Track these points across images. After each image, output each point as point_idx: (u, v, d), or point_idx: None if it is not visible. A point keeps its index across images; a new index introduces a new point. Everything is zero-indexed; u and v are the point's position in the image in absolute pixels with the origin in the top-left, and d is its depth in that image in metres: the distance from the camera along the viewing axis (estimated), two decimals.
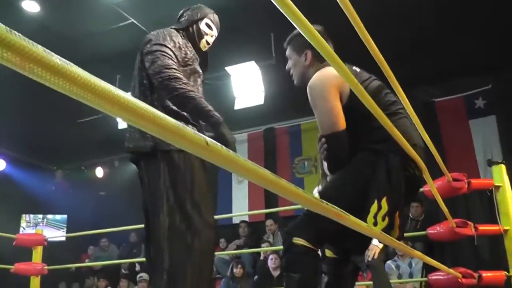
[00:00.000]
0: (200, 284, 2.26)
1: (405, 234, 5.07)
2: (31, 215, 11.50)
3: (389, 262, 6.52)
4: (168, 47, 2.49)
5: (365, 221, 2.04)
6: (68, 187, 11.54)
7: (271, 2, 1.05)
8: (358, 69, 2.40)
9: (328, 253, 2.60)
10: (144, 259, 8.88)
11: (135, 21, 6.95)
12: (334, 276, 2.57)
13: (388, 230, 2.07)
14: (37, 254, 8.20)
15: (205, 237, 2.31)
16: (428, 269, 5.82)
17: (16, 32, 0.54)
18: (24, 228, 11.08)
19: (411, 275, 6.33)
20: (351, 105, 2.23)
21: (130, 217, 8.66)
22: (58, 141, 10.11)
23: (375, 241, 4.55)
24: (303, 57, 2.57)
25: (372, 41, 1.96)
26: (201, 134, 0.79)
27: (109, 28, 7.13)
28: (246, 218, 9.09)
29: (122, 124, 9.35)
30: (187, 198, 2.33)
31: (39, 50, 0.57)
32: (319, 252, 2.31)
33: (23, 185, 10.42)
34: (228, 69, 7.41)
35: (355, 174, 2.27)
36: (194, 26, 2.81)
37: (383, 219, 2.08)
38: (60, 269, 9.02)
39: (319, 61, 2.49)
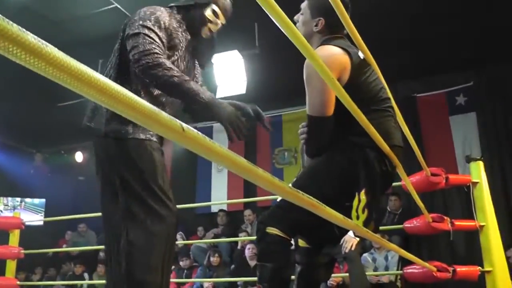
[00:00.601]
0: (158, 268, 2.22)
1: (382, 228, 5.14)
2: (9, 198, 11.41)
3: (365, 254, 6.57)
4: (151, 29, 2.29)
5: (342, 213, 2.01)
6: (47, 171, 11.44)
7: None
8: (362, 56, 2.29)
9: (301, 242, 2.59)
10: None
11: (118, 6, 6.89)
12: (307, 266, 2.56)
13: (368, 222, 2.09)
14: (14, 237, 8.14)
15: (164, 223, 2.26)
16: (404, 262, 5.88)
17: None
18: (1, 211, 10.99)
19: (387, 268, 6.39)
20: None
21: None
22: (38, 124, 10.02)
23: (351, 233, 4.57)
24: (314, 21, 2.41)
25: (357, 34, 1.97)
26: (176, 120, 0.78)
27: (93, 12, 7.07)
28: (225, 207, 9.11)
29: None
30: (146, 185, 2.28)
31: (14, 28, 0.56)
32: (292, 242, 2.30)
33: (1, 167, 10.32)
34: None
35: (330, 165, 2.26)
36: (198, 9, 2.56)
37: (363, 211, 2.09)
38: (37, 253, 8.96)
39: (329, 33, 2.37)
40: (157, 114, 0.74)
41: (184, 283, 7.68)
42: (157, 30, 2.31)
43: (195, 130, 0.80)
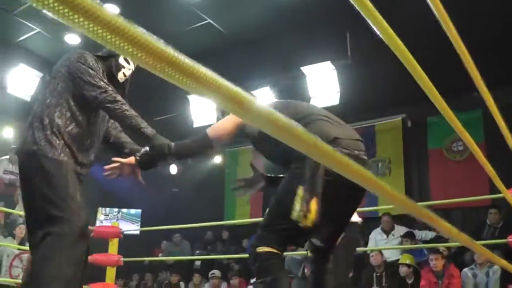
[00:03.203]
0: (67, 270, 2.51)
1: (483, 242, 4.95)
2: (107, 209, 11.87)
3: (465, 270, 6.34)
4: (93, 68, 2.78)
5: (297, 218, 2.23)
6: (143, 183, 11.77)
7: (347, 0, 1.03)
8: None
9: (308, 253, 2.79)
10: (217, 256, 8.99)
11: (211, 21, 7.04)
12: (316, 273, 2.72)
13: (301, 216, 2.23)
14: (113, 246, 8.45)
15: (71, 227, 2.56)
16: (506, 279, 5.62)
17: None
18: (101, 222, 11.44)
19: (487, 285, 6.12)
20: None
21: (202, 214, 8.80)
22: (134, 138, 10.38)
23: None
24: None
25: (459, 39, 1.90)
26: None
27: (187, 28, 7.26)
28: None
29: (197, 122, 9.50)
30: (57, 197, 2.61)
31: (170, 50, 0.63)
32: (284, 254, 2.48)
33: (100, 179, 10.70)
34: (304, 69, 7.40)
35: (287, 183, 2.46)
36: (113, 58, 2.99)
37: (298, 206, 2.25)
38: (134, 261, 9.27)
39: None
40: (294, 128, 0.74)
41: None
42: (101, 72, 2.83)
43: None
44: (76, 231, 2.60)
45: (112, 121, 3.04)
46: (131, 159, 2.90)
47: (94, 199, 10.32)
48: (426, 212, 1.22)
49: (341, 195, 2.42)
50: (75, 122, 2.79)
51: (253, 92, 9.06)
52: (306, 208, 2.26)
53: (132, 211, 11.93)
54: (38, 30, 8.70)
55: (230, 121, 2.64)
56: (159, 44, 0.57)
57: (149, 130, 2.73)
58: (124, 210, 11.92)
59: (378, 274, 6.96)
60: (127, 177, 3.00)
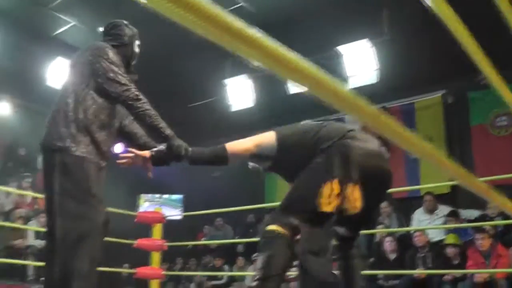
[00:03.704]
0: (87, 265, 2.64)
1: None
2: (149, 195, 12.02)
3: None
4: (117, 64, 2.88)
5: (319, 203, 2.33)
6: (184, 168, 11.86)
7: None
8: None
9: (334, 241, 2.83)
10: (253, 239, 9.01)
11: (244, 4, 6.99)
12: (343, 259, 2.80)
13: (341, 206, 2.36)
14: (157, 231, 8.56)
15: (93, 224, 2.70)
16: None
17: None
18: (142, 207, 11.60)
19: None
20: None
21: (243, 198, 8.83)
22: (170, 124, 10.46)
23: None
24: None
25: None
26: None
27: None
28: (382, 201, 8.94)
29: (235, 106, 9.51)
30: (79, 193, 2.72)
31: None
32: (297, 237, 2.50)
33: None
34: (340, 48, 7.31)
35: (311, 170, 2.52)
36: (129, 46, 3.12)
37: (336, 198, 2.35)
38: (178, 246, 9.37)
39: None
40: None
41: None
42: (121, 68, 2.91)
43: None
44: (96, 228, 2.72)
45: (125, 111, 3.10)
46: (146, 153, 3.00)
47: (135, 186, 10.48)
48: (482, 184, 1.18)
49: (367, 183, 2.47)
50: (99, 117, 2.86)
51: None
52: (344, 200, 2.36)
53: (174, 196, 12.05)
54: (73, 23, 8.83)
55: (251, 140, 2.78)
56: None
57: (168, 130, 2.86)
58: (166, 196, 12.05)
59: (422, 255, 6.86)
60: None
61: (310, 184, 2.42)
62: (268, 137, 2.76)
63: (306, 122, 2.81)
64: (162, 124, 2.86)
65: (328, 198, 2.34)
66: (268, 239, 2.40)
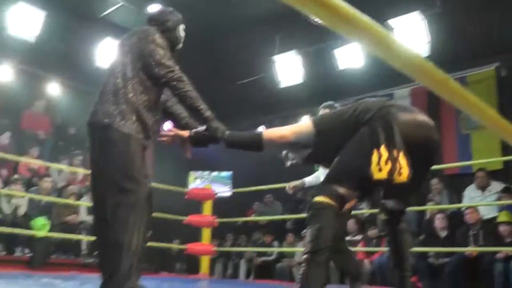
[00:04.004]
0: (133, 232, 2.75)
1: None
2: (198, 172, 12.16)
3: None
4: (163, 47, 3.00)
5: (370, 173, 2.34)
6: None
7: None
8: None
9: (382, 216, 2.89)
10: (302, 215, 9.05)
11: None
12: (393, 234, 2.85)
13: (392, 172, 2.35)
14: (207, 207, 8.70)
15: (138, 197, 2.81)
16: None
17: None
18: (192, 184, 11.75)
19: None
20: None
21: (292, 174, 8.83)
22: (218, 102, 10.51)
23: None
24: None
25: None
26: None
27: None
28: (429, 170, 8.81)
29: (284, 83, 9.48)
30: (125, 169, 2.83)
31: None
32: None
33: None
34: (391, 22, 7.18)
35: (355, 142, 2.52)
36: (174, 31, 3.24)
37: (386, 163, 2.35)
38: (228, 222, 9.49)
39: None
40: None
41: (373, 253, 7.63)
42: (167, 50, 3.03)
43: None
44: (142, 201, 2.83)
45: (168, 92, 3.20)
46: (185, 133, 3.07)
47: (185, 163, 10.60)
48: None
49: (415, 153, 2.47)
50: (146, 97, 2.97)
51: (339, 49, 8.96)
52: (395, 165, 2.36)
53: (223, 173, 12.15)
54: (122, 3, 8.93)
55: (288, 128, 2.80)
56: None
57: (207, 112, 2.93)
58: (215, 172, 12.17)
59: (474, 232, 6.75)
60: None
61: (358, 153, 2.44)
62: (305, 125, 2.78)
63: (338, 107, 2.83)
64: (202, 106, 2.93)
65: (378, 165, 2.35)
66: (316, 211, 2.41)
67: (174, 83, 2.90)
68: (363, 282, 5.40)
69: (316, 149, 2.73)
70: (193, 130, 3.03)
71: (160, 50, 2.96)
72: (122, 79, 2.94)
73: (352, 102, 2.77)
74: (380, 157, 2.35)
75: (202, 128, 2.98)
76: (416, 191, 2.85)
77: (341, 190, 2.40)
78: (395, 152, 2.36)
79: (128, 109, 2.87)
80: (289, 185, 5.74)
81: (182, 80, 2.92)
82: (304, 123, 2.79)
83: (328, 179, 2.50)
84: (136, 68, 2.96)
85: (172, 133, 3.08)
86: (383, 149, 2.36)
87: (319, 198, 2.41)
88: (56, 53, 9.49)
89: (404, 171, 2.37)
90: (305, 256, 2.36)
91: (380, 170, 2.34)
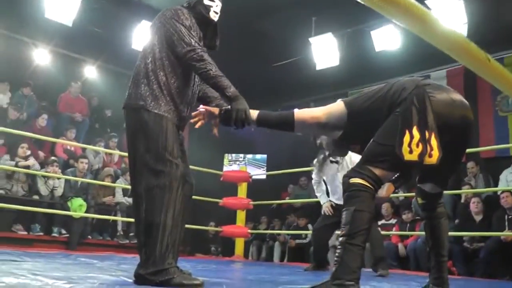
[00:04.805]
0: (167, 212, 2.78)
1: None
2: (233, 155, 12.24)
3: None
4: (191, 27, 2.97)
5: (401, 153, 2.34)
6: (268, 129, 11.94)
7: None
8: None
9: (419, 200, 2.88)
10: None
11: None
12: (430, 218, 2.83)
13: (423, 154, 2.35)
14: (242, 190, 8.76)
15: (171, 178, 2.82)
16: None
17: None
18: (227, 167, 11.84)
19: None
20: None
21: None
22: (254, 84, 10.53)
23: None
24: None
25: None
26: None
27: None
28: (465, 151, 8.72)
29: (320, 65, 9.43)
30: (159, 151, 2.84)
31: None
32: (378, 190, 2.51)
33: (225, 126, 10.97)
34: (428, 2, 7.07)
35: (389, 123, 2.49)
36: (199, 4, 3.14)
37: (417, 146, 2.34)
38: (262, 205, 9.54)
39: None
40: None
41: (407, 237, 7.60)
42: (192, 29, 2.98)
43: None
44: (176, 182, 2.84)
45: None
46: (216, 110, 3.06)
47: (220, 145, 10.69)
48: None
49: (449, 131, 2.46)
50: (176, 76, 2.96)
51: (376, 31, 8.86)
52: (426, 147, 2.35)
53: (258, 156, 12.22)
54: None
55: (320, 109, 2.76)
56: None
57: (230, 91, 2.85)
58: (250, 155, 12.23)
59: (510, 217, 6.66)
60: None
61: (390, 134, 2.42)
62: (336, 106, 2.75)
63: (371, 88, 2.77)
64: (225, 84, 2.86)
65: (409, 147, 2.34)
66: (352, 193, 2.39)
67: (194, 63, 2.87)
68: (384, 268, 5.43)
69: (348, 131, 2.72)
70: (223, 108, 3.01)
71: (183, 28, 2.94)
72: (152, 60, 2.95)
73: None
74: (412, 138, 2.34)
75: (228, 107, 2.93)
76: (452, 172, 2.83)
77: (376, 171, 2.40)
78: (427, 134, 2.35)
79: (159, 89, 2.89)
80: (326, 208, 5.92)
81: (203, 59, 2.86)
82: (336, 104, 2.75)
83: (363, 160, 2.48)
84: (164, 48, 2.97)
85: (202, 110, 3.07)
86: (415, 130, 2.34)
87: (354, 180, 2.40)
88: (92, 36, 9.60)
89: (434, 154, 2.36)
90: (341, 239, 2.36)
91: (411, 152, 2.33)
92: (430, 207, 2.83)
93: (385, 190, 4.29)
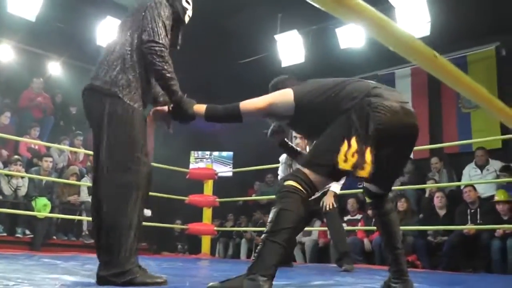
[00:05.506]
0: (126, 213, 2.69)
1: None
2: (199, 152, 12.19)
3: None
4: (164, 21, 2.89)
5: (336, 161, 2.34)
6: (234, 125, 11.92)
7: None
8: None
9: (367, 199, 2.94)
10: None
11: None
12: (380, 216, 2.88)
13: (357, 165, 2.34)
14: (208, 187, 8.74)
15: (139, 177, 2.75)
16: None
17: None
18: (193, 164, 11.77)
19: None
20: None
21: None
22: (220, 81, 10.50)
23: (333, 187, 5.46)
24: None
25: None
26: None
27: None
28: (410, 155, 8.86)
29: (285, 62, 9.46)
30: (128, 145, 2.75)
31: None
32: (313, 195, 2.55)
33: (193, 124, 10.90)
34: (392, 1, 7.15)
35: (334, 129, 2.50)
36: (179, 4, 3.12)
37: (353, 156, 2.34)
38: (229, 202, 9.53)
39: None
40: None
41: (373, 231, 7.68)
42: (166, 21, 2.92)
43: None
44: (143, 181, 2.78)
45: None
46: (164, 108, 3.04)
47: (186, 143, 10.64)
48: None
49: (394, 141, 2.51)
50: (149, 71, 2.90)
51: (341, 28, 8.93)
52: (361, 160, 2.35)
53: (224, 153, 12.18)
54: None
55: (263, 99, 2.77)
56: None
57: (178, 95, 2.87)
58: (216, 153, 12.19)
59: (472, 211, 6.81)
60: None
61: (330, 140, 2.45)
62: (284, 95, 2.74)
63: (327, 80, 2.76)
64: (175, 88, 2.86)
65: (345, 156, 2.34)
66: (283, 193, 2.41)
67: (154, 56, 2.80)
68: (349, 263, 5.49)
69: (294, 122, 2.77)
70: (171, 105, 2.96)
71: (158, 18, 2.88)
72: (130, 48, 2.86)
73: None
74: (349, 147, 2.35)
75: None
76: (396, 177, 2.91)
77: (312, 176, 2.42)
78: (364, 147, 2.36)
79: (135, 80, 2.81)
80: None
81: (163, 57, 2.82)
82: (284, 93, 2.74)
83: (304, 161, 2.53)
84: (139, 36, 2.87)
85: (153, 110, 3.06)
86: (353, 140, 2.36)
87: (288, 182, 2.43)
88: (56, 32, 9.45)
89: (367, 167, 2.36)
90: (263, 235, 2.39)
91: (345, 161, 2.35)
92: (378, 205, 2.87)
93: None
